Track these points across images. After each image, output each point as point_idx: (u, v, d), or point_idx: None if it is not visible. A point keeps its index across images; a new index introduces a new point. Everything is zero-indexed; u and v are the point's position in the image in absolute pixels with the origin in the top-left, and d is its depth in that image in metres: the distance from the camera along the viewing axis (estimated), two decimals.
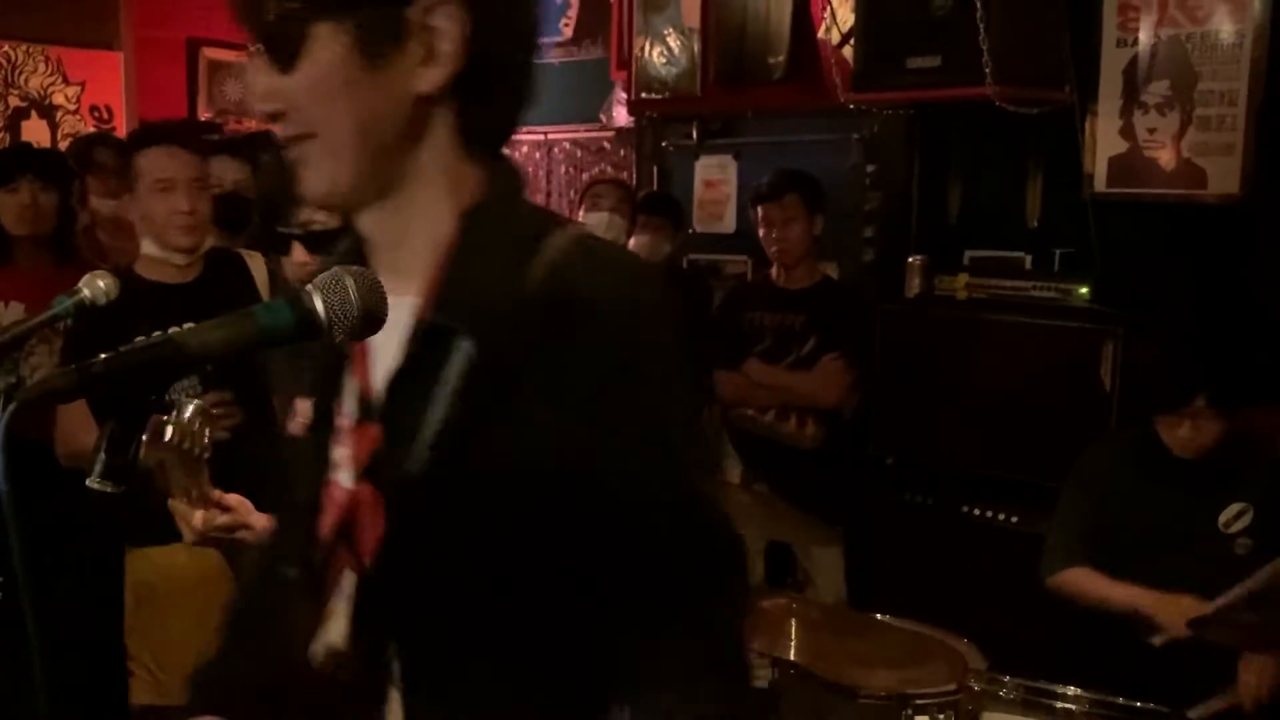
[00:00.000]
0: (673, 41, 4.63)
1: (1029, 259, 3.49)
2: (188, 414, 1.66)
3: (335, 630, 1.00)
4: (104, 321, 1.85)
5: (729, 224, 4.55)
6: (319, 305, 0.99)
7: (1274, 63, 3.06)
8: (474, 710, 0.96)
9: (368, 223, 1.01)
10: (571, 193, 5.21)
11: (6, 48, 5.26)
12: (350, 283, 1.00)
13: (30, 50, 5.32)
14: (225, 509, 1.75)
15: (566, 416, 0.91)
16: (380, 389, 0.99)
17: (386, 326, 0.94)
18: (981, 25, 3.11)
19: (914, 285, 3.64)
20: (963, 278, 3.52)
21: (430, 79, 0.94)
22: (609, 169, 5.19)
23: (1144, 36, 3.27)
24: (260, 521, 1.74)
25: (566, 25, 5.43)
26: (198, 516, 1.76)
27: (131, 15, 5.66)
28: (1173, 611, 2.32)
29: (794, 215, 3.46)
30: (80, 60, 5.48)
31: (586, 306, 0.92)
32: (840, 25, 4.03)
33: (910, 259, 3.65)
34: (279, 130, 0.97)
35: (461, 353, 0.93)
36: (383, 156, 0.96)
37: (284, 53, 0.93)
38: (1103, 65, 3.34)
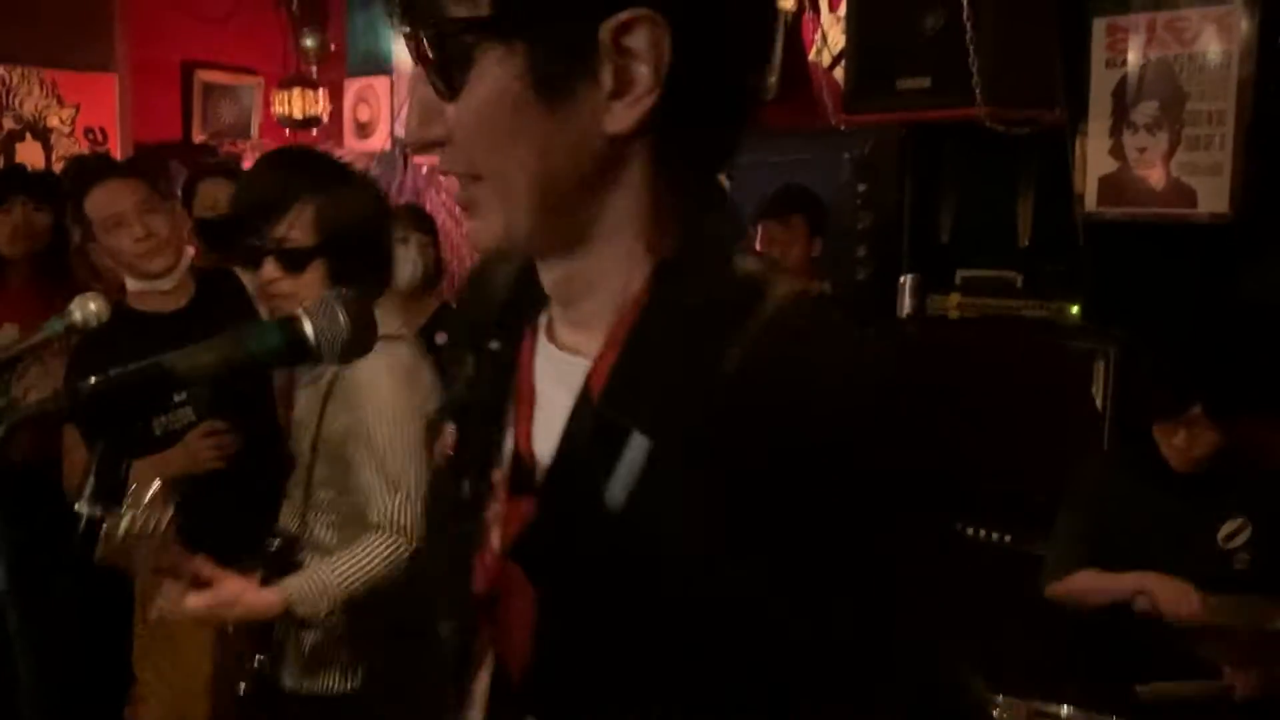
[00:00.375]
0: None
1: (1020, 278, 3.51)
2: (145, 499, 1.63)
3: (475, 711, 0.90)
4: (104, 355, 1.87)
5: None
6: (308, 329, 1.00)
7: (1261, 83, 3.08)
8: None
9: (548, 275, 0.84)
10: None
11: (1, 71, 5.28)
12: (340, 308, 1.01)
13: (25, 73, 5.34)
14: (204, 583, 1.71)
15: (753, 541, 0.74)
16: (541, 460, 0.83)
17: (554, 381, 0.83)
18: (971, 46, 3.13)
19: (906, 304, 3.65)
20: (955, 297, 3.54)
21: (624, 117, 0.75)
22: None
23: (1133, 57, 3.29)
24: (247, 602, 1.70)
25: None
26: (164, 601, 1.75)
27: (127, 38, 5.68)
28: (1175, 593, 2.32)
29: (798, 236, 3.46)
30: (75, 83, 5.49)
31: (794, 400, 0.74)
32: (831, 47, 4.06)
33: (902, 278, 3.66)
34: (440, 163, 0.81)
35: (636, 449, 0.76)
36: (565, 206, 0.78)
37: (446, 74, 0.76)
38: (1092, 86, 3.37)
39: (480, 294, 0.94)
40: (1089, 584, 2.52)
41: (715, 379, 0.74)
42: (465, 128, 0.77)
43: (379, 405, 1.80)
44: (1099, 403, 3.12)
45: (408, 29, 0.78)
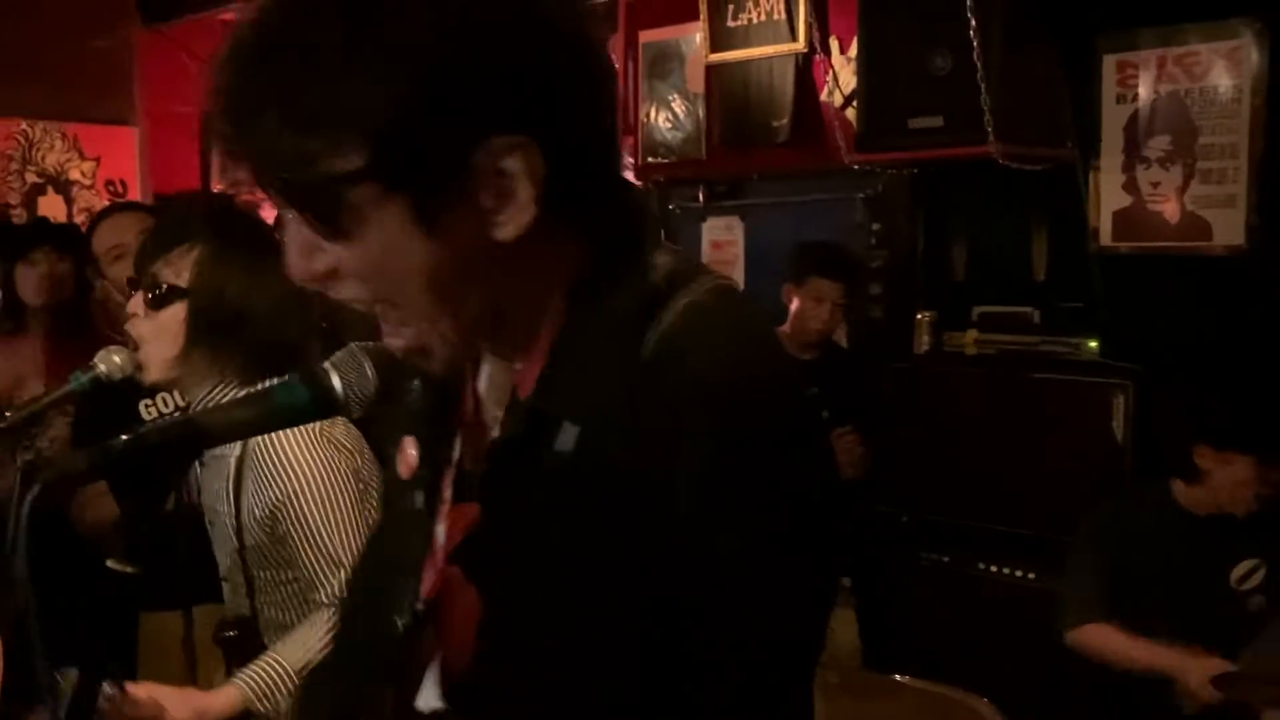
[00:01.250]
0: (677, 107, 4.70)
1: (1037, 314, 3.50)
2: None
3: (429, 695, 0.94)
4: (115, 399, 1.87)
5: (738, 284, 4.58)
6: (336, 383, 1.01)
7: (1273, 115, 3.09)
8: None
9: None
10: None
11: (24, 125, 5.36)
12: (368, 361, 1.02)
13: (47, 127, 5.42)
14: (133, 704, 1.59)
15: (666, 514, 0.79)
16: (481, 464, 0.89)
17: (496, 391, 0.90)
18: (982, 85, 3.16)
19: (923, 342, 3.65)
20: (971, 333, 3.54)
21: (510, 227, 0.79)
22: None
23: (1143, 92, 3.31)
24: (208, 713, 1.61)
25: None
26: None
27: (146, 91, 5.77)
28: (1196, 672, 2.29)
29: (839, 299, 3.45)
30: (96, 136, 5.58)
31: (694, 384, 0.79)
32: (842, 87, 4.09)
33: (918, 316, 3.67)
34: (334, 293, 0.83)
35: (567, 437, 0.81)
36: (477, 302, 0.83)
37: (326, 221, 0.78)
38: (1103, 121, 3.38)
39: None
40: (1108, 644, 2.47)
41: (634, 366, 0.80)
42: (360, 270, 0.80)
43: (305, 481, 1.67)
44: (1118, 437, 3.10)
45: (268, 184, 0.78)
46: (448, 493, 0.93)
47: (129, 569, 0.95)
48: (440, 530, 0.93)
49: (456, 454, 0.93)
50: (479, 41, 0.75)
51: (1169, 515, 2.48)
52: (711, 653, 0.80)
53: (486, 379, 0.92)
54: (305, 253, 0.81)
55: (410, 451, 0.97)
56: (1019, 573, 3.28)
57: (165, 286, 1.68)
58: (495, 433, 0.90)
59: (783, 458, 0.80)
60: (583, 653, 0.83)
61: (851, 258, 3.53)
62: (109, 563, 0.95)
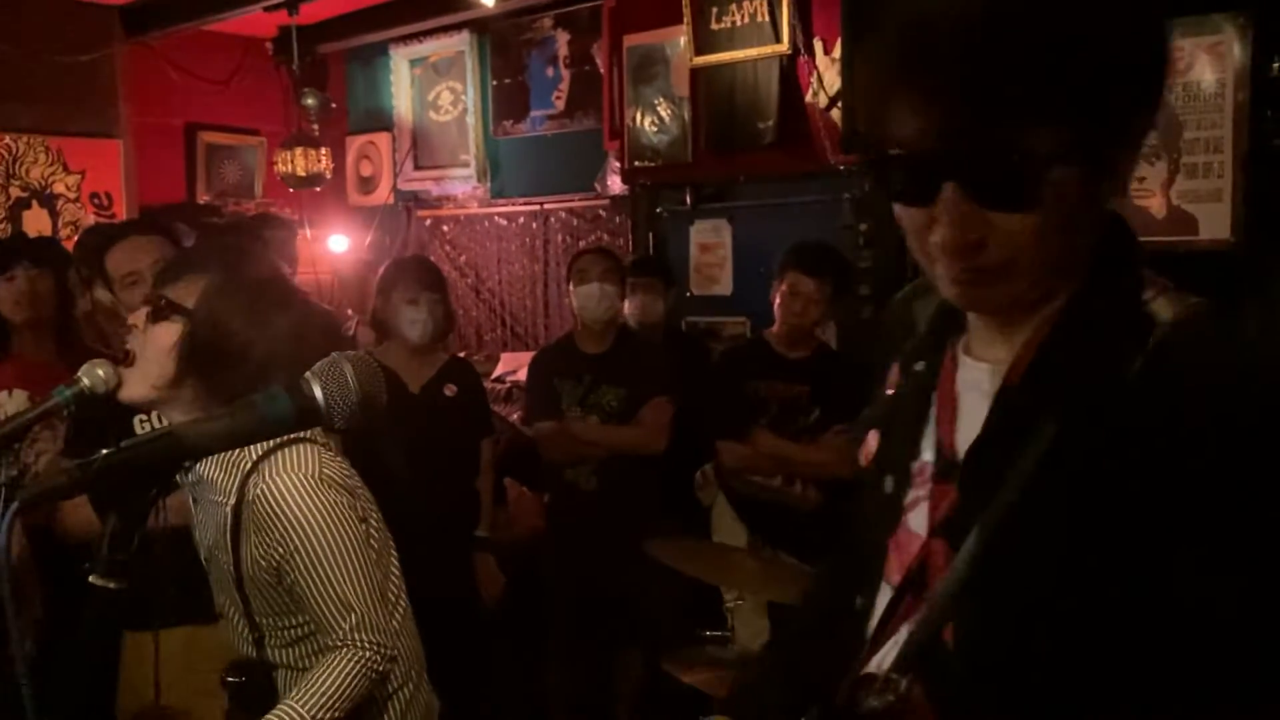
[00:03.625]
0: (663, 110, 4.70)
1: None
2: None
3: (883, 660, 0.99)
4: (111, 413, 1.85)
5: (725, 286, 4.58)
6: (318, 393, 1.00)
7: (1257, 109, 3.10)
8: None
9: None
10: (569, 259, 5.28)
11: (7, 139, 5.34)
12: (349, 370, 1.01)
13: (31, 141, 5.41)
14: None
15: (1150, 522, 0.83)
16: (960, 451, 0.97)
17: (972, 389, 0.97)
18: None
19: None
20: None
21: (1118, 192, 0.92)
22: (605, 237, 5.24)
23: None
24: None
25: (558, 98, 5.52)
26: None
27: (130, 103, 5.75)
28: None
29: (825, 296, 3.45)
30: (80, 149, 5.56)
31: (1193, 399, 0.83)
32: (827, 89, 4.09)
33: None
34: (965, 261, 0.91)
35: (1044, 436, 0.87)
36: (1063, 262, 0.92)
37: (1012, 194, 0.87)
38: None
39: (901, 323, 1.12)
40: None
41: (1118, 381, 0.86)
42: (1024, 233, 0.87)
43: (309, 532, 1.65)
44: None
45: (983, 164, 0.86)
46: (920, 476, 1.01)
47: (111, 585, 0.94)
48: (917, 500, 1.01)
49: (931, 441, 1.01)
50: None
51: None
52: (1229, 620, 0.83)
53: (964, 370, 1.00)
54: (966, 226, 0.88)
55: (871, 444, 1.08)
56: None
57: (166, 300, 1.68)
58: (974, 422, 0.96)
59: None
60: (1068, 620, 0.87)
61: (831, 256, 3.51)
62: (90, 579, 0.94)
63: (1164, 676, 0.86)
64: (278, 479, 1.65)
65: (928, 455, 1.01)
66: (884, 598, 1.02)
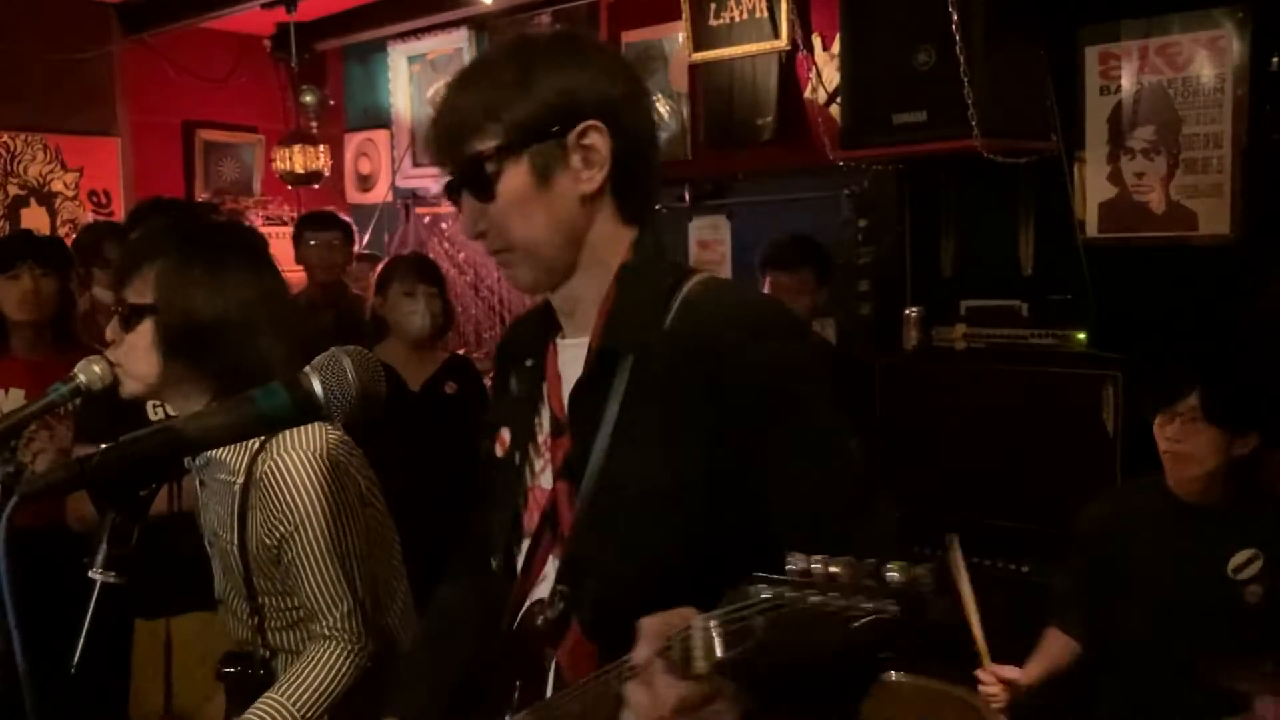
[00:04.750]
0: (662, 106, 4.69)
1: (1025, 306, 3.51)
2: None
3: (541, 590, 1.23)
4: (108, 414, 1.84)
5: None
6: (317, 387, 0.99)
7: (1256, 103, 3.10)
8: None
9: (557, 296, 1.28)
10: None
11: (5, 137, 5.33)
12: (348, 363, 1.01)
13: (29, 139, 5.39)
14: None
15: (707, 408, 1.12)
16: (567, 410, 1.24)
17: (571, 362, 1.24)
18: (965, 79, 3.15)
19: (911, 337, 3.65)
20: (960, 328, 3.53)
21: (592, 182, 1.20)
22: None
23: (1126, 83, 3.32)
24: None
25: None
26: None
27: (128, 101, 5.74)
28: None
29: (806, 288, 3.45)
30: (78, 146, 5.55)
31: (710, 323, 1.16)
32: (826, 85, 4.09)
33: (907, 311, 3.66)
34: (485, 245, 1.23)
35: (625, 368, 1.18)
36: (567, 247, 1.22)
37: (481, 188, 1.19)
38: (1087, 113, 3.39)
39: (511, 342, 1.42)
40: (1040, 649, 2.58)
41: (662, 327, 1.19)
42: (499, 217, 1.20)
43: (312, 512, 1.66)
44: (1109, 428, 3.10)
45: (449, 167, 1.22)
46: (542, 444, 1.27)
47: (112, 578, 0.94)
48: (542, 462, 1.27)
49: (546, 414, 1.28)
50: (581, 76, 1.21)
51: (1163, 505, 2.48)
52: (804, 472, 1.12)
53: (560, 352, 1.28)
54: (472, 219, 1.22)
55: (505, 435, 1.33)
56: (1011, 566, 3.28)
57: (128, 305, 1.66)
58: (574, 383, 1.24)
59: (806, 339, 1.26)
60: (660, 503, 1.13)
61: (805, 247, 3.51)
62: (91, 573, 0.94)
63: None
64: (287, 455, 1.66)
65: (545, 427, 1.28)
66: (526, 547, 1.26)
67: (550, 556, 1.24)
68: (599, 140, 1.20)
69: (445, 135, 1.22)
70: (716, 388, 1.12)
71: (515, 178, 1.18)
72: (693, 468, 1.13)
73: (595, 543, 1.18)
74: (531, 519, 1.27)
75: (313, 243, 4.48)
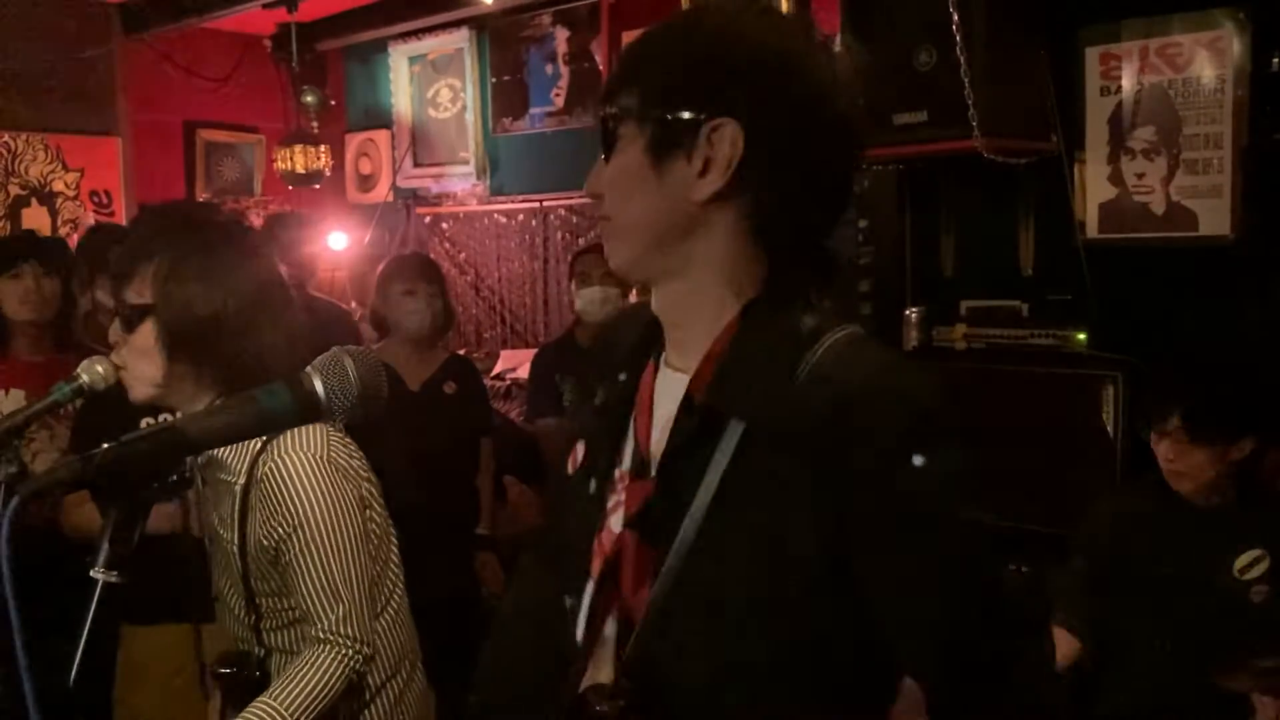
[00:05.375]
0: None
1: (1025, 307, 3.50)
2: None
3: (602, 670, 1.10)
4: (109, 415, 1.84)
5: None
6: (319, 387, 1.00)
7: (1256, 104, 3.10)
8: None
9: (657, 299, 1.15)
10: (568, 257, 5.26)
11: (6, 137, 5.34)
12: (350, 364, 1.01)
13: (30, 139, 5.40)
14: None
15: (827, 505, 0.97)
16: (655, 452, 1.10)
17: (667, 396, 1.10)
18: (965, 79, 3.15)
19: (912, 338, 3.65)
20: (960, 328, 3.53)
21: (701, 189, 1.06)
22: None
23: (1127, 84, 3.32)
24: None
25: (558, 95, 5.51)
26: None
27: (129, 101, 5.74)
28: None
29: None
30: (79, 147, 5.55)
31: (849, 405, 0.98)
32: None
33: (907, 311, 3.66)
34: (594, 209, 1.13)
35: (735, 430, 1.02)
36: (662, 245, 1.09)
37: (606, 146, 1.11)
38: (1087, 113, 3.39)
39: (610, 343, 1.26)
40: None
41: (789, 386, 1.01)
42: (608, 182, 1.11)
43: (310, 511, 1.66)
44: (1109, 429, 3.10)
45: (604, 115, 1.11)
46: (621, 480, 1.13)
47: (114, 578, 0.94)
48: (616, 501, 1.12)
49: (630, 446, 1.13)
50: (742, 65, 1.07)
51: (1166, 505, 2.48)
52: (918, 593, 1.00)
53: (660, 379, 1.14)
54: (590, 181, 1.12)
55: (579, 451, 1.20)
56: (1011, 566, 3.27)
57: (129, 306, 1.66)
58: (668, 424, 1.09)
59: (959, 438, 1.05)
60: (755, 604, 1.00)
61: None
62: (92, 572, 0.94)
63: (864, 677, 0.99)
64: (287, 456, 1.66)
65: (627, 462, 1.13)
66: (589, 595, 1.13)
67: (610, 617, 1.11)
68: (729, 141, 1.04)
69: (609, 81, 1.14)
70: (844, 487, 0.97)
71: (631, 148, 1.08)
72: (800, 572, 0.99)
73: (672, 646, 1.04)
74: (595, 566, 1.14)
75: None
